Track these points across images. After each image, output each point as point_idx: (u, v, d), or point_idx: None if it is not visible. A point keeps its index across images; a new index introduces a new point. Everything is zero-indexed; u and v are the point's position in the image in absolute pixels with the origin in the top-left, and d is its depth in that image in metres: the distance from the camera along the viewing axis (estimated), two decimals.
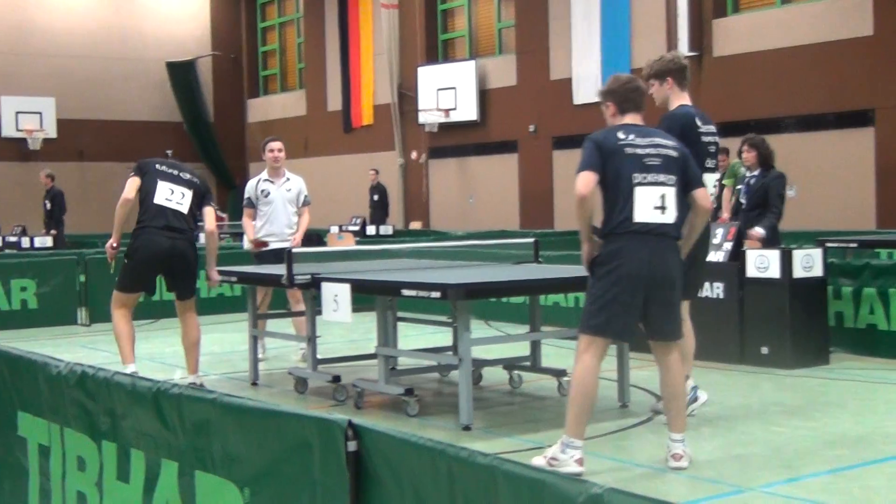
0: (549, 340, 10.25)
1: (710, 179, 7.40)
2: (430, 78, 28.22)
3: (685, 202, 6.49)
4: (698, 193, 6.53)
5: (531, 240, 10.31)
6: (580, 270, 7.19)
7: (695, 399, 7.61)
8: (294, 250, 9.02)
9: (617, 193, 6.28)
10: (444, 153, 28.64)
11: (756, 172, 11.17)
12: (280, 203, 11.08)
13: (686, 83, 7.70)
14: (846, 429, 7.48)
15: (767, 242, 10.63)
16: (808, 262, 9.94)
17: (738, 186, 11.55)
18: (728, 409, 8.08)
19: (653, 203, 6.27)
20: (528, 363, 9.21)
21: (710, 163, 7.54)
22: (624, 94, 6.58)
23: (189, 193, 9.25)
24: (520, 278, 8.50)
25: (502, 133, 26.94)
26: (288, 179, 11.20)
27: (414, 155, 29.48)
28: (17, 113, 32.22)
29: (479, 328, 11.85)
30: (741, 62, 21.53)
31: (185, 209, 9.17)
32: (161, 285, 9.77)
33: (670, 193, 6.34)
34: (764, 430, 7.35)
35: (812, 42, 20.34)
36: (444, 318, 10.24)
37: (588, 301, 6.40)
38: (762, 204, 11.04)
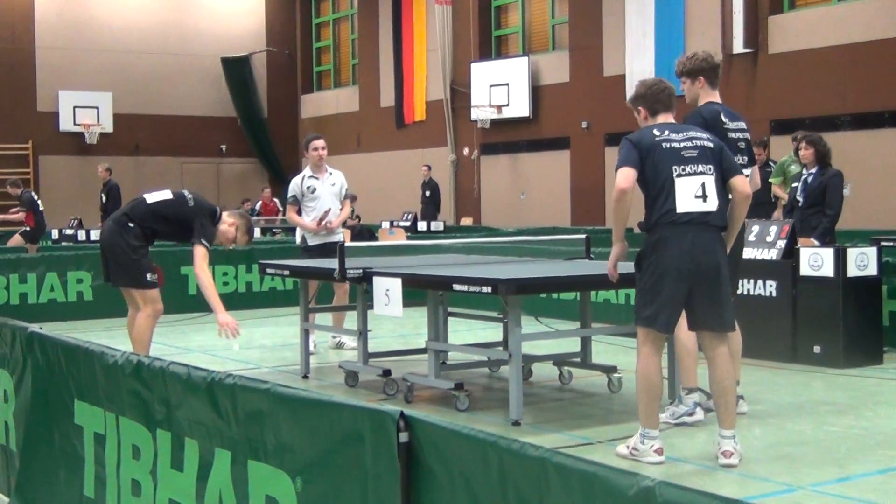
0: (600, 337, 10.22)
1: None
2: (482, 74, 28.20)
3: (725, 193, 6.50)
4: (736, 181, 6.55)
5: (583, 236, 10.30)
6: (631, 267, 7.17)
7: (690, 413, 7.54)
8: (346, 245, 9.09)
9: (658, 187, 6.36)
10: (496, 149, 28.62)
11: (813, 170, 11.08)
12: (327, 198, 11.29)
13: (717, 82, 7.64)
14: None
15: (822, 242, 10.55)
16: (863, 261, 9.85)
17: (794, 184, 11.45)
18: (779, 408, 8.04)
19: (693, 192, 6.34)
20: (578, 359, 9.20)
21: (740, 159, 7.39)
22: (653, 97, 6.68)
23: None
24: (571, 274, 8.50)
25: (554, 130, 26.88)
26: (331, 174, 11.42)
27: (466, 151, 29.49)
28: (75, 107, 32.57)
29: (529, 324, 11.84)
30: (797, 59, 21.33)
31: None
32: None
33: (710, 182, 6.39)
34: (815, 429, 7.30)
35: (868, 39, 20.11)
36: (494, 314, 10.25)
37: (637, 293, 6.52)
38: (819, 202, 10.95)
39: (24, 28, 32.56)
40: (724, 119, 7.51)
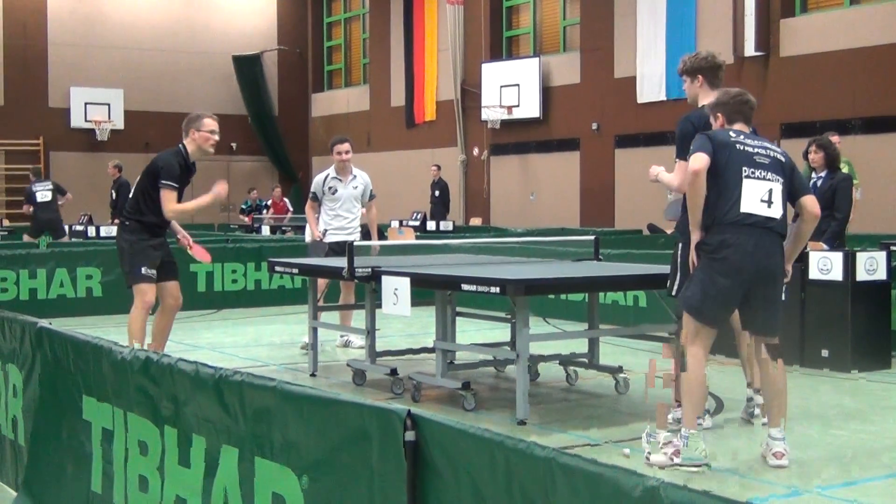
0: (607, 338, 10.23)
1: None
2: (493, 74, 28.20)
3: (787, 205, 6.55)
4: (807, 200, 6.58)
5: (591, 237, 10.30)
6: (640, 269, 7.20)
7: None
8: (356, 243, 9.11)
9: (726, 183, 6.36)
10: (506, 150, 28.62)
11: (823, 174, 11.07)
12: (347, 200, 11.34)
13: (718, 83, 7.57)
14: None
15: (831, 246, 10.53)
16: (872, 265, 9.84)
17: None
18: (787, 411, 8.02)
19: (760, 196, 6.37)
20: (585, 360, 9.20)
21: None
22: (733, 106, 6.71)
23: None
24: (579, 275, 8.51)
25: (565, 131, 26.87)
26: (355, 177, 11.41)
27: (476, 151, 29.49)
28: (86, 104, 32.66)
29: (537, 325, 11.85)
30: (808, 63, 21.30)
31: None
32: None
33: (777, 190, 6.42)
34: (822, 433, 7.30)
35: (880, 43, 20.07)
36: (502, 314, 10.25)
37: (690, 279, 6.49)
38: (829, 206, 10.94)
39: (37, 24, 32.65)
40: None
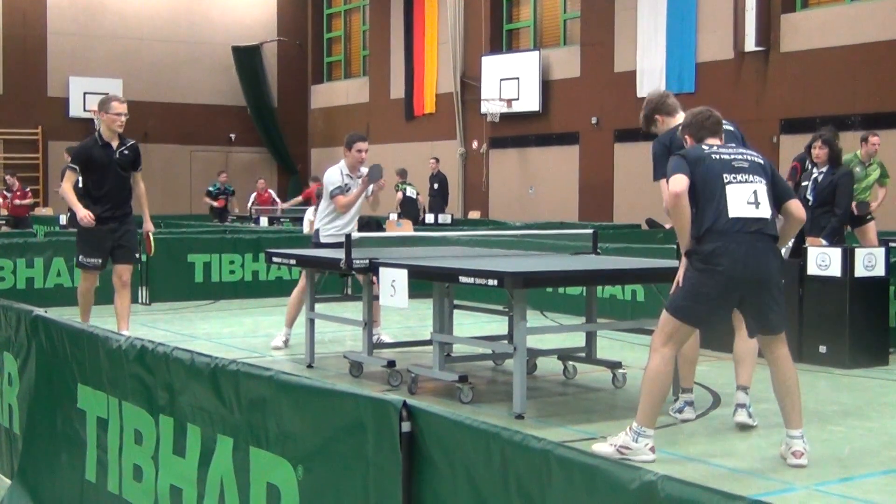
0: (605, 333, 10.22)
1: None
2: (493, 68, 28.17)
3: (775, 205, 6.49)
4: (792, 205, 6.55)
5: (590, 231, 10.28)
6: (638, 263, 7.20)
7: (680, 410, 7.57)
8: (354, 235, 9.07)
9: (708, 196, 6.32)
10: (505, 143, 28.60)
11: (824, 169, 11.06)
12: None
13: (673, 109, 7.65)
14: None
15: (830, 242, 10.53)
16: (871, 262, 9.82)
17: (804, 183, 11.41)
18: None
19: (745, 198, 6.32)
20: (582, 354, 9.19)
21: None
22: (698, 124, 6.72)
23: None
24: (577, 269, 8.49)
25: (564, 125, 26.85)
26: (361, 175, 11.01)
27: (475, 144, 29.47)
28: (85, 93, 32.61)
29: (534, 318, 11.84)
30: (809, 58, 21.28)
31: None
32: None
33: (762, 190, 6.37)
34: (819, 429, 7.28)
35: (881, 39, 20.06)
36: (500, 307, 10.24)
37: (679, 284, 6.43)
38: (829, 202, 10.93)
39: (36, 13, 32.60)
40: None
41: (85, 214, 9.89)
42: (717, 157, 6.42)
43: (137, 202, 10.42)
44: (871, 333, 9.85)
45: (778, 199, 6.49)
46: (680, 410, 7.58)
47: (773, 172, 6.56)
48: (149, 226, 10.67)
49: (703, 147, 6.51)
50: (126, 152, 10.18)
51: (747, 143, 7.46)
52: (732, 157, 6.45)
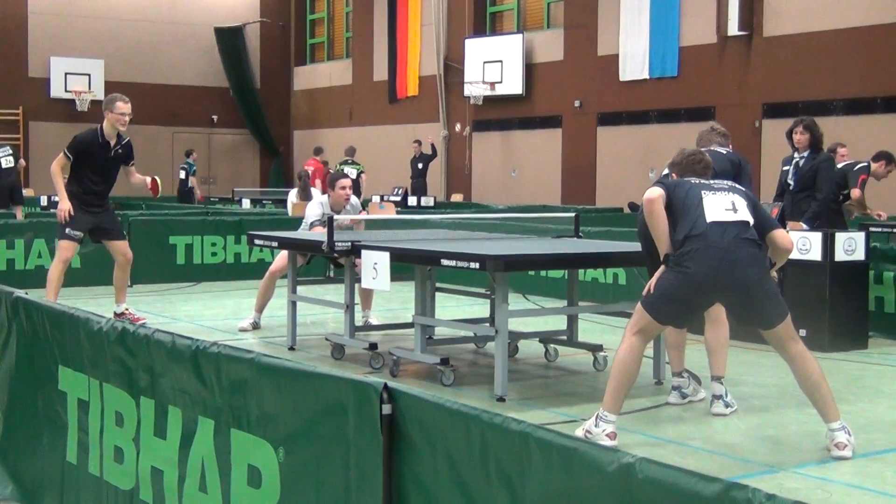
0: (586, 315, 10.24)
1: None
2: (476, 50, 28.14)
3: (756, 215, 6.50)
4: (777, 234, 6.54)
5: (572, 214, 10.29)
6: (620, 246, 7.22)
7: (684, 396, 7.59)
8: (336, 217, 9.06)
9: (686, 210, 6.38)
10: (488, 126, 28.59)
11: (805, 154, 11.08)
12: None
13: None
14: (881, 413, 7.46)
15: (810, 226, 10.56)
16: (851, 246, 9.87)
17: (785, 167, 11.43)
18: (763, 390, 8.07)
19: (723, 206, 6.39)
20: (564, 337, 9.21)
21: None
22: (687, 166, 6.87)
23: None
24: (559, 252, 8.51)
25: (547, 108, 26.86)
26: (349, 208, 10.84)
27: (458, 127, 29.45)
28: (67, 74, 32.46)
29: (516, 301, 11.85)
30: (792, 43, 21.32)
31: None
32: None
33: (741, 203, 6.42)
34: (798, 412, 7.32)
35: (864, 24, 20.12)
36: (482, 290, 10.25)
37: (654, 282, 6.43)
38: (811, 186, 10.96)
39: None
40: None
41: (63, 210, 10.38)
42: (697, 181, 6.59)
43: (138, 185, 11.15)
44: (850, 317, 9.91)
45: (761, 229, 6.45)
46: (682, 394, 7.58)
47: (754, 202, 6.58)
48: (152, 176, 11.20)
49: (683, 179, 6.68)
50: (120, 150, 10.66)
51: (745, 176, 7.57)
52: (712, 183, 6.61)
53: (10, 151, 21.22)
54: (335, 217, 9.22)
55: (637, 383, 7.55)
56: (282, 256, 10.62)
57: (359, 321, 10.99)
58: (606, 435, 6.26)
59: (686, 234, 6.30)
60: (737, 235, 6.26)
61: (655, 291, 6.39)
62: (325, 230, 9.94)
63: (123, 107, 10.51)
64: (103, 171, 10.65)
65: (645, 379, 8.16)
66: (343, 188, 10.74)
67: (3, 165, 20.66)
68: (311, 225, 10.62)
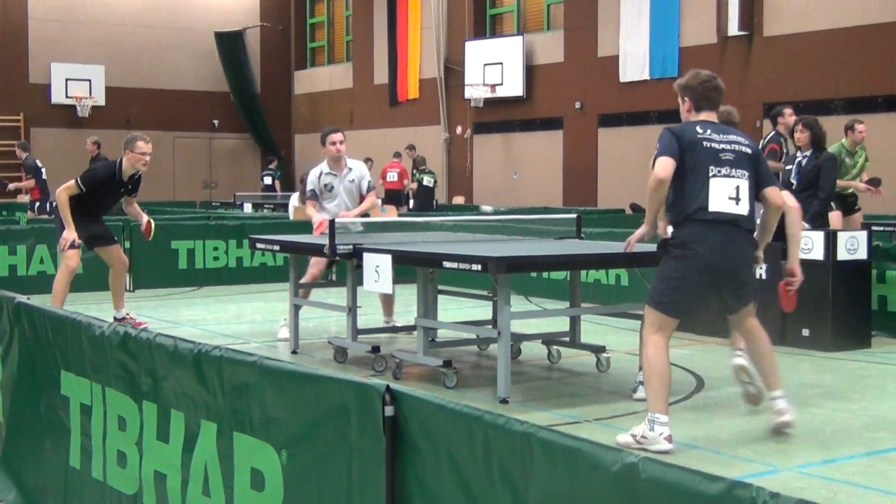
0: (589, 317, 10.24)
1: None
2: (477, 53, 28.13)
3: (755, 198, 6.60)
4: (769, 191, 6.65)
5: (574, 216, 10.29)
6: (622, 247, 7.21)
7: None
8: (337, 221, 9.03)
9: (692, 182, 6.40)
10: (489, 129, 28.58)
11: (808, 153, 11.08)
12: (344, 195, 10.54)
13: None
14: (885, 412, 7.45)
15: (813, 225, 10.56)
16: (853, 245, 9.86)
17: (788, 167, 11.44)
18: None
19: (727, 193, 6.41)
20: (566, 339, 9.21)
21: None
22: (702, 93, 6.65)
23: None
24: (561, 253, 8.50)
25: (548, 110, 26.85)
26: (350, 170, 10.61)
27: (459, 130, 29.45)
28: (67, 80, 32.43)
29: (518, 303, 11.85)
30: (792, 42, 21.31)
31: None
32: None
33: (744, 186, 6.48)
34: (802, 412, 7.31)
35: (864, 23, 20.11)
36: (484, 292, 10.25)
37: (657, 278, 6.52)
38: (813, 185, 10.96)
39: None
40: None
41: (67, 240, 10.25)
42: (709, 144, 6.44)
43: (132, 216, 11.21)
44: (853, 316, 9.90)
45: (758, 185, 6.59)
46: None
47: (757, 161, 6.60)
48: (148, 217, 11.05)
49: (698, 129, 6.49)
50: (130, 186, 10.66)
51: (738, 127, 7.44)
52: (722, 146, 6.47)
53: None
54: (336, 221, 9.19)
55: (637, 383, 7.58)
56: (315, 263, 10.44)
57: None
58: (664, 438, 6.25)
59: (688, 214, 6.38)
60: (735, 224, 6.41)
61: (663, 286, 6.43)
62: (317, 214, 10.08)
63: (144, 146, 10.36)
64: (107, 201, 10.79)
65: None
66: (333, 143, 10.48)
67: (44, 175, 20.65)
68: (307, 197, 10.65)
